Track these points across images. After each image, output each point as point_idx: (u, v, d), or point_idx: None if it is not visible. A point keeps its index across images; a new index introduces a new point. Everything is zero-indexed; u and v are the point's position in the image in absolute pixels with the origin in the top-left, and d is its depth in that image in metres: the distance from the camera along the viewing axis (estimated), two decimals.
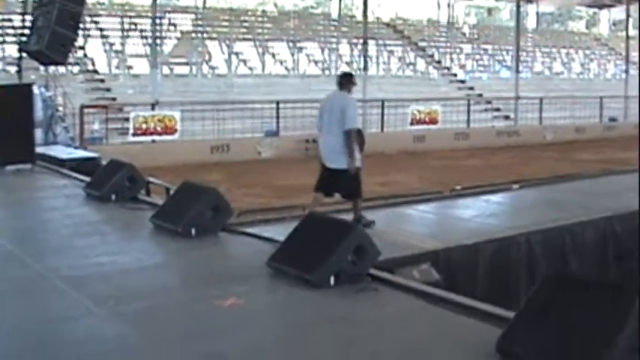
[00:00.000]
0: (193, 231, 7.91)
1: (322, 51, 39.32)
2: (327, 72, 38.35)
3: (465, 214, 10.34)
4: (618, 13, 59.04)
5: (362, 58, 35.08)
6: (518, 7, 38.41)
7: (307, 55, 38.67)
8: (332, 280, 6.05)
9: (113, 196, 10.00)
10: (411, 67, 42.55)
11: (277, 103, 28.38)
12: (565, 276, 5.35)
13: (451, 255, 7.44)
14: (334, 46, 39.83)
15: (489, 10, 57.83)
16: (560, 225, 8.66)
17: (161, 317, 5.51)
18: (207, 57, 35.37)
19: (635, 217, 9.47)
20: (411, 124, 31.83)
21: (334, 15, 45.44)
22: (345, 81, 10.17)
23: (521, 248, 8.03)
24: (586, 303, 4.20)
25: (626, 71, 44.17)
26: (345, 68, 38.77)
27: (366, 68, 31.96)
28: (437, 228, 9.49)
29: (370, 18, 37.95)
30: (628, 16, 45.46)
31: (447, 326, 5.20)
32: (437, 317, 5.37)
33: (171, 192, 9.37)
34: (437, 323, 5.28)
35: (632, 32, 49.93)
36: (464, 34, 49.33)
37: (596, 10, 61.85)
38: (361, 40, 36.86)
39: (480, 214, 10.13)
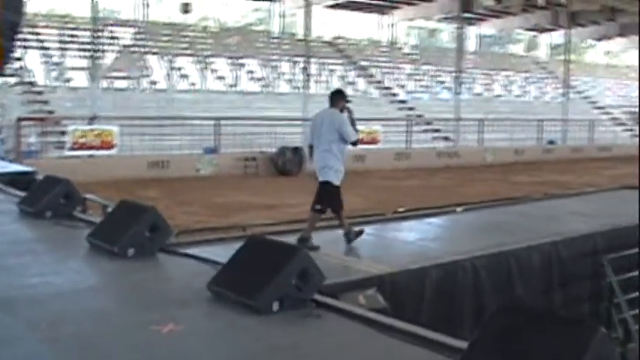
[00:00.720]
0: (131, 251, 7.59)
1: (263, 68, 39.08)
2: (267, 89, 38.14)
3: (409, 237, 10.17)
4: (557, 37, 59.85)
5: (303, 77, 34.99)
6: (459, 29, 38.58)
7: (248, 72, 38.37)
8: (275, 306, 5.80)
9: (48, 213, 9.59)
10: (352, 86, 42.45)
11: (217, 120, 28.02)
12: (520, 306, 5.19)
13: (397, 280, 7.23)
14: (275, 63, 39.64)
15: (431, 32, 58.12)
16: (506, 250, 8.51)
17: (96, 343, 5.21)
18: (147, 71, 34.93)
19: (578, 242, 9.41)
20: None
21: (276, 32, 45.34)
22: (337, 98, 10.31)
23: (467, 273, 7.86)
24: (542, 334, 4.03)
25: (565, 95, 44.53)
26: (285, 86, 38.70)
27: (307, 87, 31.74)
28: (382, 251, 9.27)
29: (312, 36, 37.84)
30: (569, 40, 45.88)
31: (395, 357, 4.99)
32: (384, 347, 5.15)
33: (109, 210, 9.03)
34: (384, 353, 5.06)
35: (571, 56, 50.70)
36: (405, 54, 49.48)
37: (536, 33, 62.55)
38: (302, 59, 36.85)
39: (424, 238, 9.97)
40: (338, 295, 6.52)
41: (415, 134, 35.12)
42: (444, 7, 46.30)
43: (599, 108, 52.65)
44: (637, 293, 9.50)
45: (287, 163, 27.46)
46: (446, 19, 53.03)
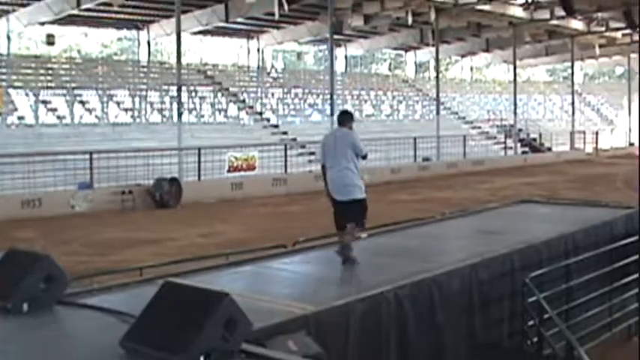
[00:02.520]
0: (25, 306, 6.90)
1: (132, 98, 38.09)
2: (137, 120, 37.23)
3: (322, 270, 9.64)
4: (422, 55, 60.80)
5: (173, 105, 34.31)
6: (331, 51, 38.50)
7: (117, 103, 37.31)
8: None
9: None
10: (223, 113, 41.92)
11: (90, 153, 26.98)
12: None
13: (322, 319, 6.73)
14: (144, 93, 38.73)
15: (299, 55, 58.17)
16: (428, 277, 8.14)
17: None
18: (12, 106, 33.52)
19: (497, 263, 9.17)
20: (229, 171, 31.18)
21: (143, 61, 44.40)
22: (345, 119, 10.63)
23: (390, 304, 7.45)
24: None
25: (437, 112, 45.05)
26: (156, 116, 37.87)
27: (180, 115, 31.01)
28: (297, 288, 8.74)
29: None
30: (437, 58, 46.41)
31: None
32: None
33: None
34: None
35: (434, 74, 51.44)
36: (274, 78, 49.22)
37: (401, 52, 63.38)
38: (171, 87, 36.11)
39: (337, 269, 9.49)
40: (264, 342, 5.98)
41: (290, 158, 34.71)
42: (313, 30, 46.30)
43: (468, 123, 53.49)
44: (565, 307, 9.54)
45: (164, 195, 26.63)
46: (314, 41, 53.19)
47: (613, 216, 12.65)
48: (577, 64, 58.31)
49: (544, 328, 8.94)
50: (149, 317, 5.76)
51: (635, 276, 11.27)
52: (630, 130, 63.53)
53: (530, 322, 9.12)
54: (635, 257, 11.32)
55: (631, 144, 62.02)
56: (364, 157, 10.47)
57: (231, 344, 5.46)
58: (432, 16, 41.48)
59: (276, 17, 37.57)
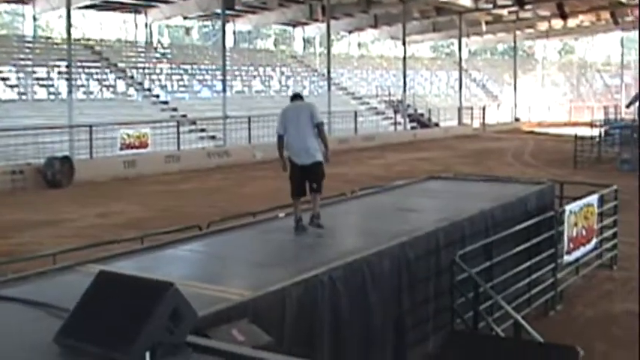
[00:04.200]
0: None
1: (17, 74, 36.79)
2: (24, 97, 35.98)
3: (248, 252, 9.26)
4: (310, 30, 60.63)
5: (60, 81, 33.32)
6: (223, 26, 38.04)
7: (2, 79, 35.95)
8: (147, 358, 4.89)
9: None
10: (111, 89, 40.91)
11: None
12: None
13: (259, 304, 6.44)
14: (30, 69, 37.46)
15: (187, 30, 57.30)
16: (360, 257, 7.93)
17: None
18: None
19: (423, 241, 9.05)
20: (121, 149, 30.45)
21: (28, 36, 42.91)
22: (298, 97, 11.47)
23: (324, 287, 7.23)
24: None
25: (328, 87, 44.94)
26: (42, 92, 36.71)
27: (70, 92, 30.10)
28: (228, 272, 8.38)
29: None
30: (329, 34, 46.18)
31: None
32: None
33: None
34: None
35: (320, 49, 51.40)
36: (162, 54, 48.30)
37: (289, 28, 63.12)
38: (59, 62, 35.09)
39: (260, 251, 9.18)
40: (206, 331, 5.67)
41: (182, 135, 34.12)
42: (202, 5, 45.59)
43: (356, 99, 53.59)
44: (489, 284, 9.46)
45: (56, 174, 25.81)
46: (202, 17, 52.47)
47: (526, 192, 12.71)
48: (462, 40, 59.11)
49: (477, 304, 8.90)
50: (85, 310, 5.33)
51: (551, 251, 11.34)
52: (516, 106, 64.83)
53: (461, 300, 9.04)
54: (551, 233, 11.38)
55: (517, 119, 63.38)
56: (320, 125, 10.78)
57: (176, 337, 5.11)
58: None
59: None
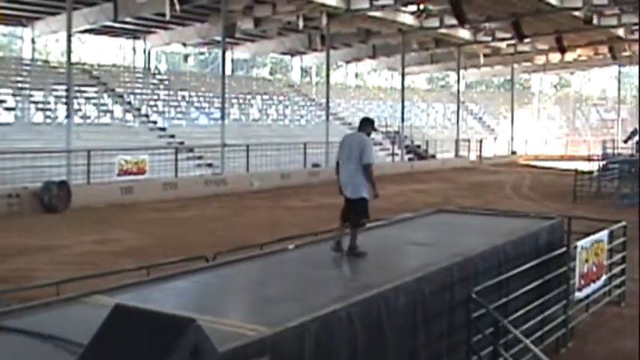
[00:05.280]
0: None
1: (15, 97, 36.57)
2: (21, 120, 35.73)
3: (258, 287, 8.97)
4: (308, 60, 60.60)
5: (58, 105, 33.09)
6: (223, 54, 37.88)
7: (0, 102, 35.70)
8: None
9: None
10: (109, 114, 40.69)
11: None
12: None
13: (278, 341, 6.19)
14: (28, 92, 37.24)
15: (186, 57, 57.27)
16: (376, 293, 7.70)
17: None
18: None
19: (439, 276, 8.83)
20: (118, 174, 30.19)
21: (27, 59, 42.76)
22: (365, 125, 11.33)
23: (342, 323, 6.99)
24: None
25: (327, 117, 44.85)
26: (39, 116, 36.49)
27: (69, 116, 29.87)
28: (242, 306, 8.12)
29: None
30: (328, 64, 46.18)
31: None
32: None
33: None
34: None
35: (320, 79, 51.25)
36: (160, 80, 48.17)
37: (287, 57, 63.16)
38: (57, 86, 34.91)
39: (272, 285, 8.88)
40: None
41: (180, 162, 33.89)
42: (201, 32, 45.54)
43: (353, 129, 53.23)
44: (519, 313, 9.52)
45: (53, 199, 25.52)
46: (202, 44, 52.45)
47: (537, 227, 12.49)
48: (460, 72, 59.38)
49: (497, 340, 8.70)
50: (101, 346, 5.08)
51: (563, 287, 11.13)
52: (512, 139, 64.80)
53: (478, 337, 8.81)
54: (563, 269, 11.17)
55: (513, 152, 63.32)
56: (366, 166, 10.81)
57: None
58: (324, 21, 41.23)
59: (167, 17, 36.72)
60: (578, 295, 11.70)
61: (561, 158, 59.45)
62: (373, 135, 11.91)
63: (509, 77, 72.63)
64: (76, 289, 8.24)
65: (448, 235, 12.51)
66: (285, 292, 8.42)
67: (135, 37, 50.12)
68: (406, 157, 51.00)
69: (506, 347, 9.13)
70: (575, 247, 11.44)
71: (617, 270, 13.75)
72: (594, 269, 12.32)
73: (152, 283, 8.65)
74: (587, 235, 12.33)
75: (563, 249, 11.63)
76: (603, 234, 12.85)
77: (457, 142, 56.03)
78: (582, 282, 11.76)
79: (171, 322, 5.10)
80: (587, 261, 11.92)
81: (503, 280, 9.78)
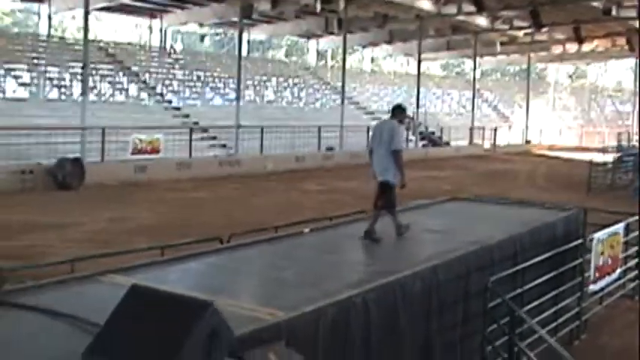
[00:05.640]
0: None
1: (30, 73, 36.52)
2: (36, 96, 35.70)
3: (273, 270, 8.91)
4: (324, 43, 60.36)
5: (73, 82, 33.05)
6: (240, 34, 37.82)
7: (15, 77, 35.65)
8: None
9: None
10: (124, 92, 40.63)
11: None
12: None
13: (294, 325, 6.15)
14: (43, 68, 37.20)
15: (202, 37, 57.15)
16: (393, 279, 7.65)
17: None
18: None
19: (455, 265, 8.79)
20: (132, 153, 30.15)
21: (43, 35, 42.71)
22: (397, 112, 11.64)
23: (358, 309, 6.95)
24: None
25: (342, 101, 44.73)
26: (54, 92, 36.47)
27: (85, 93, 29.86)
28: (256, 289, 8.08)
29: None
30: (345, 48, 46.00)
31: None
32: None
33: None
34: None
35: (336, 63, 51.00)
36: (175, 60, 48.07)
37: (303, 39, 62.94)
38: (73, 63, 34.90)
39: (286, 268, 8.82)
40: (242, 354, 5.36)
41: (194, 142, 33.81)
42: (218, 12, 45.32)
43: (369, 113, 53.25)
44: (534, 304, 9.58)
45: (67, 176, 25.52)
46: (218, 24, 52.25)
47: (553, 217, 12.42)
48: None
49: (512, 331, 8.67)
50: (116, 327, 5.01)
51: (578, 279, 11.08)
52: (527, 129, 64.47)
53: (493, 326, 8.77)
54: (579, 261, 11.11)
55: (527, 141, 62.98)
56: (395, 152, 11.13)
57: (215, 358, 4.85)
58: (342, 4, 41.04)
59: None
60: (593, 287, 11.65)
61: (576, 149, 59.10)
62: (384, 117, 12.10)
63: (524, 66, 72.18)
64: (90, 268, 8.25)
65: (463, 223, 12.44)
66: (301, 276, 8.37)
67: (151, 16, 49.91)
68: (420, 143, 50.83)
69: (521, 336, 9.10)
70: (592, 240, 11.38)
71: (631, 263, 13.69)
72: (609, 262, 12.24)
73: (167, 264, 8.63)
74: (604, 227, 12.26)
75: (579, 241, 11.56)
76: (619, 226, 12.76)
77: (472, 129, 55.78)
78: (597, 274, 11.70)
79: (190, 304, 5.08)
80: (602, 253, 11.85)
81: (519, 271, 9.74)
